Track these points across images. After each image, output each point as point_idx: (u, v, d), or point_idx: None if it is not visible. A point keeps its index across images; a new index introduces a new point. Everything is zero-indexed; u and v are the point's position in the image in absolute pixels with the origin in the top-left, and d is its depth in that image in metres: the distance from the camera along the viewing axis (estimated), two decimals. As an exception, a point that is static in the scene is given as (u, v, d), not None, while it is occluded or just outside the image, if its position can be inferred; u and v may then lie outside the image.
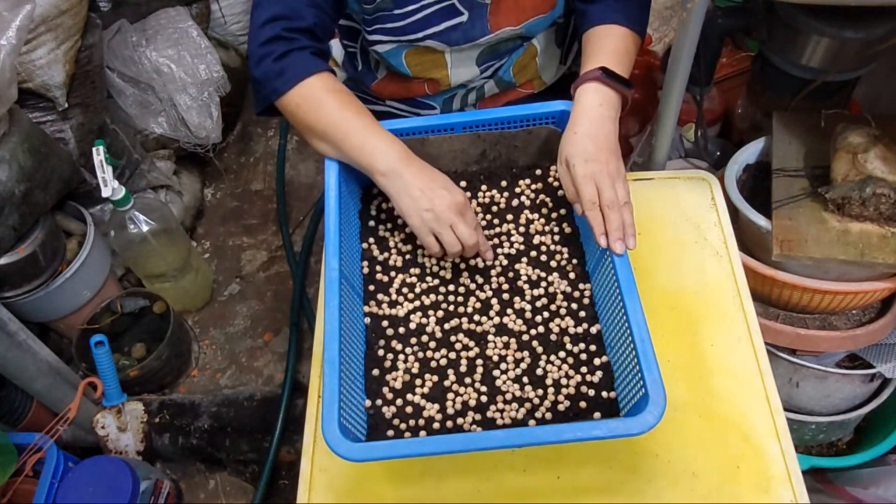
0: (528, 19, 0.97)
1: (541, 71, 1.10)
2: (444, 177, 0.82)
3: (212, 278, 1.87)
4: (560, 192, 0.89)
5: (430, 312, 0.83)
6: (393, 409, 0.76)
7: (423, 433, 0.74)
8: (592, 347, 0.79)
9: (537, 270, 0.85)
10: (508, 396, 0.76)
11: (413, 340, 0.81)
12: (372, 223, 0.90)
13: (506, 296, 0.84)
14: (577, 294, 0.83)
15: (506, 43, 1.02)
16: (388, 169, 0.80)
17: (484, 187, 0.93)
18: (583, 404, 0.75)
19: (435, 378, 0.78)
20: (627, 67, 0.88)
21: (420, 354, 0.80)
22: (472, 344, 0.80)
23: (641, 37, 0.93)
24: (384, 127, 0.88)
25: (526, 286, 0.84)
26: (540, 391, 0.76)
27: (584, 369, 0.77)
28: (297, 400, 1.47)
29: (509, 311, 0.82)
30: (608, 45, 0.88)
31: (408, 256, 0.88)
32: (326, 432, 0.66)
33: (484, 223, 0.90)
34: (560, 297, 0.83)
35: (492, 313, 0.82)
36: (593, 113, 0.83)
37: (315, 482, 0.82)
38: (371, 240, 0.89)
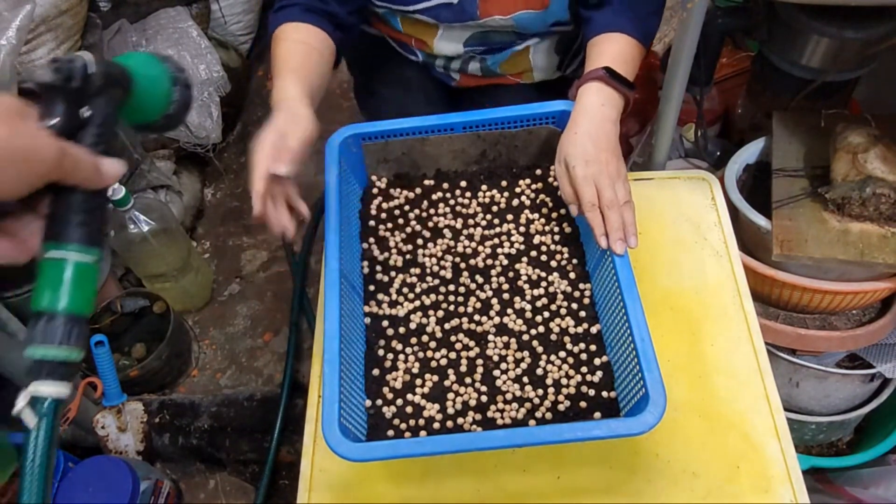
0: (517, 11, 0.98)
1: (534, 73, 1.10)
2: (285, 135, 0.76)
3: (212, 278, 1.87)
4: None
5: (431, 312, 0.83)
6: (393, 409, 0.76)
7: (423, 433, 0.74)
8: (592, 347, 0.79)
9: (537, 270, 0.85)
10: (508, 396, 0.76)
11: (413, 340, 0.81)
12: (372, 223, 0.90)
13: (506, 296, 0.84)
14: (577, 294, 0.83)
15: (497, 34, 1.02)
16: (272, 107, 0.82)
17: (484, 187, 0.93)
18: (583, 404, 0.75)
19: (435, 378, 0.78)
20: (628, 74, 0.86)
21: (420, 354, 0.80)
22: (472, 344, 0.80)
23: (646, 46, 0.91)
24: (384, 126, 0.89)
25: (526, 286, 0.84)
26: (540, 391, 0.76)
27: (584, 369, 0.77)
28: (296, 400, 1.47)
29: (509, 310, 0.82)
30: (609, 50, 0.87)
31: (408, 256, 0.88)
32: (326, 432, 0.66)
33: (484, 223, 0.90)
34: (560, 296, 0.83)
35: (492, 313, 0.82)
36: (595, 113, 0.82)
37: (315, 482, 0.82)
38: (371, 240, 0.89)
